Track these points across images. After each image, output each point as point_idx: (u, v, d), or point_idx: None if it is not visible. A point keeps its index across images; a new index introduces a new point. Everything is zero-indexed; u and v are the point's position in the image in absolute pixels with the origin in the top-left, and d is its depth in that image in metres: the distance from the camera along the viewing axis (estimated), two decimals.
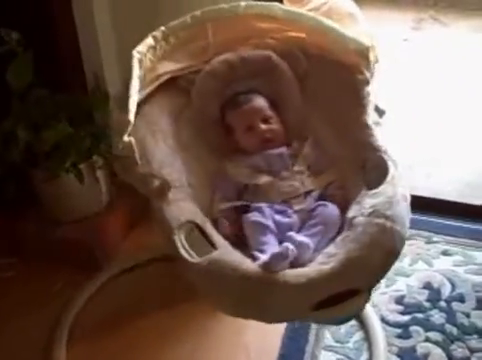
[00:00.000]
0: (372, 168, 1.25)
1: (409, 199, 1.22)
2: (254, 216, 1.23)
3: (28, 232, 1.74)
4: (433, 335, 1.51)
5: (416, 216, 1.81)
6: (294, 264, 1.12)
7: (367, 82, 1.39)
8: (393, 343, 1.49)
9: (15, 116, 1.58)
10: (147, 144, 1.29)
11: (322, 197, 1.30)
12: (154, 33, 1.37)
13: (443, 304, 1.59)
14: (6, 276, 1.69)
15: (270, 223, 1.22)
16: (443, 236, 1.79)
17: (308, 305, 1.07)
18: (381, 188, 1.17)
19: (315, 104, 1.45)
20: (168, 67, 1.41)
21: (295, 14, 1.42)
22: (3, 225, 1.73)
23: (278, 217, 1.25)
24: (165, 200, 1.22)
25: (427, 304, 1.59)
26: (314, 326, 1.54)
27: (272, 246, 1.17)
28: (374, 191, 1.18)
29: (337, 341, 1.51)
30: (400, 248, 1.14)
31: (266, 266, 1.08)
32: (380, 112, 2.37)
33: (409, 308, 1.58)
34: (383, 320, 1.55)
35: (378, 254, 1.10)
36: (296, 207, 1.27)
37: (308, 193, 1.30)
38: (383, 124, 2.34)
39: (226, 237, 1.21)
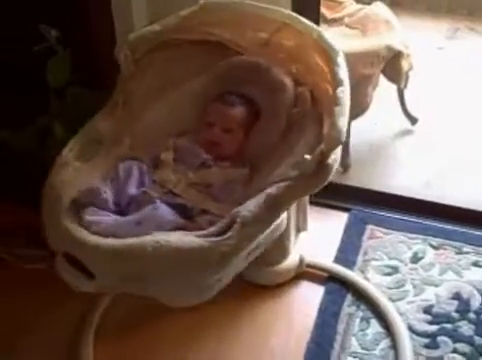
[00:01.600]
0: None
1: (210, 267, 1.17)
2: (121, 166, 1.33)
3: None
4: (461, 346, 1.50)
5: (447, 226, 1.82)
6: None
7: (309, 166, 1.24)
8: (420, 353, 1.48)
9: (52, 113, 1.60)
10: (148, 71, 1.44)
11: (188, 211, 1.28)
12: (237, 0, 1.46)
13: (472, 316, 1.57)
14: (37, 268, 1.70)
15: (121, 178, 1.31)
16: (474, 247, 1.77)
17: (60, 247, 1.19)
18: (193, 239, 1.15)
19: (281, 152, 1.38)
20: (227, 35, 1.49)
21: (339, 71, 1.33)
22: (35, 218, 1.76)
23: (131, 184, 1.31)
24: (108, 114, 1.40)
25: (456, 315, 1.57)
26: (340, 332, 1.54)
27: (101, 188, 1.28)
28: (193, 237, 1.16)
29: (363, 348, 1.50)
30: (143, 278, 1.14)
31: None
32: (412, 119, 2.38)
33: (437, 318, 1.57)
34: (411, 329, 1.54)
35: (122, 264, 1.13)
36: (150, 191, 1.30)
37: (175, 196, 1.31)
38: (415, 132, 2.36)
39: None
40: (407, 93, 2.35)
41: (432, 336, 1.52)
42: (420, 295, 1.63)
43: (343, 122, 1.23)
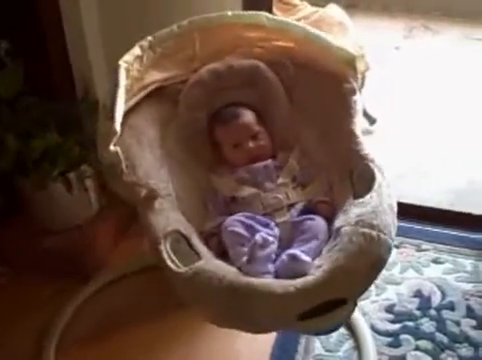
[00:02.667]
0: (359, 177, 1.24)
1: (396, 208, 1.21)
2: (229, 226, 1.21)
3: (17, 241, 1.73)
4: (423, 343, 1.51)
5: (406, 224, 1.84)
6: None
7: (354, 91, 1.39)
8: (383, 352, 1.49)
9: (4, 125, 1.57)
10: (133, 153, 1.28)
11: (307, 209, 1.28)
12: (141, 43, 1.36)
13: (433, 312, 1.59)
14: None
15: (244, 232, 1.20)
16: (433, 244, 1.79)
17: (294, 315, 1.06)
18: (367, 197, 1.17)
19: (302, 113, 1.44)
20: (155, 76, 1.40)
21: (282, 23, 1.42)
22: None
23: (261, 228, 1.22)
24: (152, 209, 1.21)
25: (417, 312, 1.59)
26: (304, 335, 1.53)
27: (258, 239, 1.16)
28: (360, 200, 1.17)
29: (327, 350, 1.50)
30: (386, 257, 1.13)
31: (246, 265, 1.11)
32: (371, 120, 2.40)
33: (399, 316, 1.58)
34: (373, 329, 1.55)
35: (364, 263, 1.09)
36: (278, 219, 1.25)
37: (292, 205, 1.29)
38: (374, 132, 2.38)
39: (214, 251, 1.21)
40: (365, 93, 2.36)
41: (394, 335, 1.53)
42: (382, 294, 1.64)
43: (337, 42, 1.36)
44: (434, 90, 2.63)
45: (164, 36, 1.39)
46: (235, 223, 1.21)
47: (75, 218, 1.72)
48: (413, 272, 1.71)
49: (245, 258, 1.13)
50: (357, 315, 1.56)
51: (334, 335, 1.53)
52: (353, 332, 1.53)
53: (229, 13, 1.40)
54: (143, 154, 1.30)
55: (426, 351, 1.49)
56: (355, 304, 1.14)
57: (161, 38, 1.39)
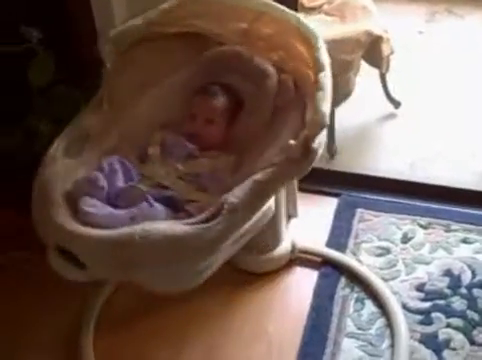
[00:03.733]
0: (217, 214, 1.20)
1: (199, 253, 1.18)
2: (106, 161, 1.33)
3: None
4: (454, 321, 1.52)
5: (434, 205, 1.85)
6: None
7: (294, 152, 1.26)
8: (415, 329, 1.50)
9: (37, 112, 1.61)
10: (130, 66, 1.45)
11: (178, 204, 1.29)
12: None
13: (464, 291, 1.59)
14: (32, 269, 1.70)
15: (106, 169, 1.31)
16: (462, 224, 1.79)
17: (52, 241, 1.21)
18: (181, 227, 1.16)
19: (267, 138, 1.40)
20: (205, 25, 1.49)
21: (321, 57, 1.34)
22: (26, 219, 1.75)
23: (118, 178, 1.31)
24: (93, 109, 1.41)
25: (448, 291, 1.60)
26: (336, 314, 1.56)
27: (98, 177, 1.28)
28: (180, 225, 1.17)
29: (359, 328, 1.52)
30: (135, 265, 1.15)
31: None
32: (395, 103, 2.40)
33: (430, 295, 1.59)
34: (404, 307, 1.56)
35: (115, 253, 1.14)
36: (141, 185, 1.30)
37: (165, 188, 1.32)
38: (398, 115, 2.39)
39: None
40: (389, 77, 2.36)
41: (426, 313, 1.54)
42: (412, 274, 1.65)
43: (326, 106, 1.25)
44: (458, 73, 2.62)
45: (236, 1, 1.47)
46: (112, 160, 1.33)
47: None
48: (443, 252, 1.71)
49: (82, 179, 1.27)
50: (388, 293, 1.58)
51: (365, 313, 1.55)
52: (384, 310, 1.54)
53: (297, 15, 1.41)
54: (135, 72, 1.46)
55: (458, 328, 1.50)
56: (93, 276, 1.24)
57: (233, 1, 1.47)
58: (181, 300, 1.63)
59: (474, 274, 1.64)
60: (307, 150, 1.22)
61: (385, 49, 2.16)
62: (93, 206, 1.23)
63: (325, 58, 1.34)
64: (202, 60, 1.52)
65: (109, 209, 1.24)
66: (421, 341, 1.48)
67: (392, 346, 1.47)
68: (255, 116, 1.46)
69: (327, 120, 1.24)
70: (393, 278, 1.64)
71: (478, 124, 2.31)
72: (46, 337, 1.57)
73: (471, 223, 1.79)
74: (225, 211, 1.15)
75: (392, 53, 2.22)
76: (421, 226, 1.79)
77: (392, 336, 1.49)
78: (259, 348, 1.53)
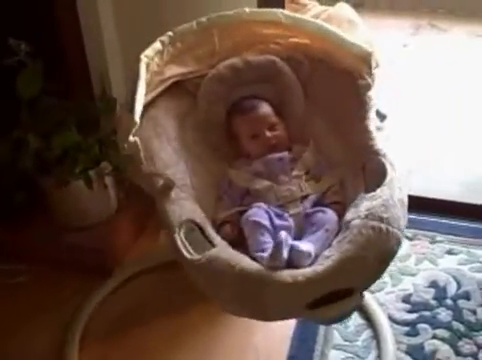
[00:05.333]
0: (371, 171, 1.27)
1: (407, 202, 1.23)
2: (252, 216, 1.25)
3: (37, 238, 1.76)
4: (440, 332, 1.53)
5: (419, 217, 1.86)
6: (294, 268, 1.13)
7: (369, 87, 1.42)
8: (401, 341, 1.51)
9: (24, 125, 1.61)
10: (152, 145, 1.33)
11: (320, 201, 1.32)
12: (161, 38, 1.41)
13: (449, 302, 1.61)
14: (16, 282, 1.71)
15: (267, 223, 1.24)
16: (447, 236, 1.81)
17: (303, 303, 1.09)
18: (378, 191, 1.19)
19: (317, 108, 1.48)
20: (175, 71, 1.44)
21: (298, 20, 1.45)
22: (13, 231, 1.76)
23: (276, 219, 1.26)
24: (168, 199, 1.25)
25: (434, 302, 1.61)
26: (323, 326, 1.56)
27: (270, 245, 1.19)
28: (371, 194, 1.19)
29: (346, 340, 1.53)
30: (395, 250, 1.16)
31: (269, 261, 1.11)
32: (381, 116, 2.40)
33: (416, 306, 1.60)
34: (390, 318, 1.57)
35: (373, 255, 1.11)
36: (292, 211, 1.29)
37: (305, 197, 1.32)
38: (384, 128, 2.40)
39: (228, 240, 1.24)
40: (374, 91, 2.38)
41: (412, 324, 1.55)
42: (398, 285, 1.66)
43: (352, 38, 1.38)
44: (442, 86, 2.66)
45: (184, 31, 1.44)
46: (259, 213, 1.25)
47: (95, 215, 1.75)
48: (428, 263, 1.73)
49: (269, 251, 1.15)
50: (374, 305, 1.58)
51: (352, 325, 1.56)
52: (371, 322, 1.55)
53: (247, 10, 1.44)
54: (161, 146, 1.35)
55: (443, 339, 1.51)
56: (362, 295, 1.16)
57: (181, 33, 1.44)
58: (169, 312, 1.63)
59: (459, 285, 1.65)
60: (374, 78, 1.42)
61: (372, 62, 2.17)
62: (301, 245, 1.17)
63: (303, 18, 1.42)
64: (204, 93, 1.46)
65: (306, 242, 1.20)
66: (407, 352, 1.48)
67: (379, 357, 1.47)
68: (293, 103, 1.47)
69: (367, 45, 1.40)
70: (379, 290, 1.65)
71: (463, 135, 2.34)
72: (35, 350, 1.56)
73: (456, 235, 1.82)
74: (381, 158, 1.26)
75: (378, 66, 2.24)
76: (406, 238, 1.81)
77: (379, 347, 1.49)
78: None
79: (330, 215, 1.25)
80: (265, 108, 1.44)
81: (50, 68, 1.61)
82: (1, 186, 1.62)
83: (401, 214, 1.18)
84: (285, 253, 1.12)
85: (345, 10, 2.30)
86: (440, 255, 1.75)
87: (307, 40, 1.47)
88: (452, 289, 1.64)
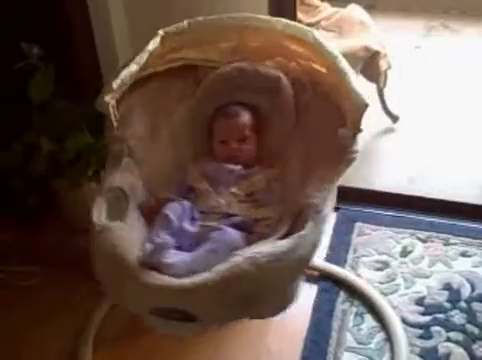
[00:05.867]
0: (298, 221, 1.23)
1: (305, 264, 1.19)
2: (167, 208, 1.27)
3: (50, 241, 1.77)
4: (454, 335, 1.52)
5: (433, 219, 1.85)
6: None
7: (345, 139, 1.31)
8: (415, 343, 1.50)
9: (37, 128, 1.62)
10: (132, 113, 1.39)
11: (250, 228, 1.28)
12: (191, 20, 1.44)
13: (463, 304, 1.59)
14: (28, 284, 1.71)
15: (175, 220, 1.25)
16: (461, 238, 1.80)
17: (147, 307, 1.12)
18: (279, 243, 1.15)
19: (301, 138, 1.44)
20: (194, 55, 1.48)
21: (324, 47, 1.38)
22: (26, 234, 1.77)
23: (186, 223, 1.27)
24: (116, 165, 1.32)
25: (447, 305, 1.60)
26: (335, 328, 1.55)
27: (163, 240, 1.21)
28: (274, 243, 1.16)
29: (359, 342, 1.52)
30: (254, 297, 1.11)
31: (145, 257, 1.15)
32: (393, 118, 2.41)
33: (429, 309, 1.59)
34: (404, 321, 1.56)
35: (230, 293, 1.08)
36: (208, 222, 1.28)
37: (230, 216, 1.30)
38: (397, 129, 2.40)
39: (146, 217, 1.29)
40: (387, 92, 2.38)
41: (425, 327, 1.54)
42: (411, 288, 1.65)
43: (358, 87, 1.28)
44: (455, 87, 2.64)
45: (215, 22, 1.46)
46: (175, 208, 1.27)
47: None
48: (442, 265, 1.71)
49: (151, 249, 1.18)
50: (387, 308, 1.57)
51: (365, 327, 1.55)
52: (384, 324, 1.54)
53: (283, 21, 1.43)
54: (141, 117, 1.41)
55: (457, 342, 1.50)
56: (205, 326, 1.16)
57: (212, 23, 1.46)
58: None
59: (473, 288, 1.64)
60: (357, 132, 1.26)
61: (383, 64, 2.18)
62: (173, 257, 1.17)
63: (328, 47, 1.35)
64: (204, 87, 1.49)
65: (187, 254, 1.20)
66: (421, 355, 1.47)
67: None
68: (281, 123, 1.46)
69: (367, 99, 1.27)
70: (392, 292, 1.64)
71: (477, 137, 2.32)
72: (48, 353, 1.56)
73: (470, 237, 1.80)
74: (312, 213, 1.17)
75: (390, 68, 2.24)
76: (420, 240, 1.80)
77: (392, 350, 1.48)
78: None
79: (229, 235, 1.22)
80: (245, 119, 1.45)
81: (62, 71, 1.62)
82: (14, 189, 1.63)
83: (280, 269, 1.12)
84: (168, 259, 1.16)
85: (357, 12, 2.32)
86: (454, 257, 1.74)
87: (324, 69, 1.43)
88: (466, 291, 1.63)
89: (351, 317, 1.58)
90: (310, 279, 1.70)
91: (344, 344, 1.52)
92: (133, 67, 1.36)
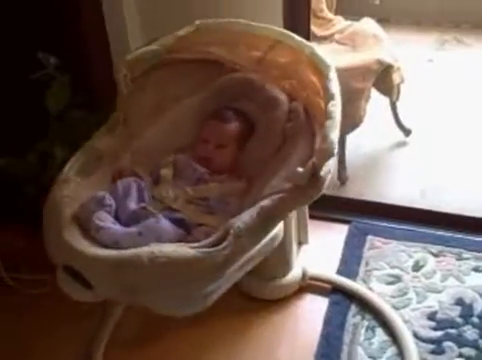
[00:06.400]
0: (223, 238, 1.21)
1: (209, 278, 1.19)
2: (120, 183, 1.35)
3: None
4: (466, 351, 1.51)
5: (446, 233, 1.85)
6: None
7: (302, 178, 1.25)
8: (426, 359, 1.49)
9: (52, 137, 1.63)
10: (146, 90, 1.49)
11: (186, 226, 1.29)
12: (230, 20, 1.50)
13: (476, 320, 1.58)
14: (39, 292, 1.71)
15: (120, 193, 1.32)
16: (474, 252, 1.79)
17: (60, 261, 1.23)
18: (188, 250, 1.16)
19: (277, 166, 1.40)
20: (223, 53, 1.53)
21: (334, 85, 1.36)
22: (37, 242, 1.77)
23: (131, 200, 1.32)
24: (109, 131, 1.44)
25: (460, 320, 1.59)
26: (346, 342, 1.54)
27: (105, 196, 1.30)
28: (185, 247, 1.17)
29: (370, 357, 1.51)
30: (141, 288, 1.16)
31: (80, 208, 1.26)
32: (406, 131, 2.41)
33: (441, 324, 1.58)
34: (416, 336, 1.55)
35: (122, 275, 1.14)
36: (150, 207, 1.31)
37: (173, 211, 1.33)
38: (409, 143, 2.40)
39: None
40: (400, 105, 2.38)
41: (437, 342, 1.53)
42: (423, 302, 1.64)
43: (334, 135, 1.26)
44: (468, 101, 2.64)
45: (252, 28, 1.50)
46: (126, 183, 1.35)
47: None
48: (454, 280, 1.70)
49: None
50: (399, 322, 1.57)
51: (376, 341, 1.54)
52: (395, 338, 1.53)
53: (313, 46, 1.44)
54: (150, 97, 1.49)
55: (469, 358, 1.49)
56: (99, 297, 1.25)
57: (248, 28, 1.50)
58: (193, 324, 1.63)
59: None
60: (315, 178, 1.22)
61: (396, 77, 2.18)
62: (105, 221, 1.25)
63: (335, 88, 1.35)
64: (215, 86, 1.54)
65: (119, 226, 1.26)
66: None
67: None
68: (265, 142, 1.48)
69: (335, 149, 1.25)
70: (404, 306, 1.63)
71: None
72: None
73: None
74: (231, 236, 1.16)
75: (403, 81, 2.24)
76: (432, 254, 1.79)
77: None
78: None
79: (160, 227, 1.24)
80: (232, 127, 1.48)
81: (76, 81, 1.64)
82: (28, 197, 1.64)
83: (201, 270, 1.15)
84: (96, 212, 1.25)
85: (370, 25, 2.33)
86: (466, 272, 1.73)
87: (322, 102, 1.41)
88: (479, 307, 1.62)
89: (362, 331, 1.58)
90: (321, 292, 1.70)
91: (355, 358, 1.51)
92: (153, 47, 1.45)
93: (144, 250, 1.15)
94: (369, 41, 2.23)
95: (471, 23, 3.31)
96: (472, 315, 1.60)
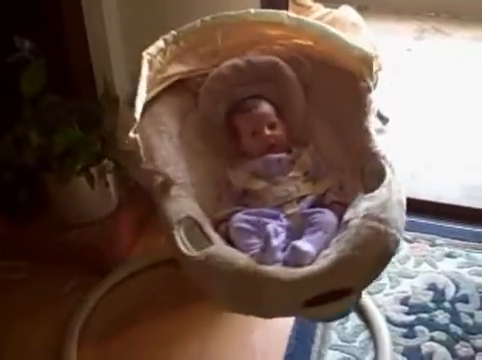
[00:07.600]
0: (370, 173, 1.28)
1: (405, 204, 1.23)
2: (235, 222, 1.27)
3: (38, 235, 1.77)
4: (438, 335, 1.53)
5: (420, 220, 1.87)
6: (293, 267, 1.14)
7: (370, 89, 1.42)
8: (398, 342, 1.51)
9: (27, 121, 1.62)
10: (153, 142, 1.34)
11: (320, 202, 1.32)
12: (165, 36, 1.42)
13: (447, 305, 1.61)
14: (16, 278, 1.71)
15: (249, 227, 1.25)
16: (447, 239, 1.81)
17: (299, 302, 1.10)
18: (377, 192, 1.20)
19: (318, 110, 1.48)
20: (177, 69, 1.45)
21: (302, 22, 1.46)
22: (14, 228, 1.77)
23: (270, 220, 1.26)
24: (167, 197, 1.26)
25: (432, 305, 1.61)
26: (320, 326, 1.56)
27: (258, 244, 1.20)
28: (370, 195, 1.20)
29: (343, 340, 1.53)
30: (393, 251, 1.16)
31: (261, 256, 1.14)
32: (384, 120, 2.42)
33: (414, 308, 1.60)
34: (388, 320, 1.57)
35: (370, 255, 1.12)
36: (288, 211, 1.29)
37: (303, 198, 1.32)
38: (387, 131, 2.41)
39: (223, 237, 1.26)
40: (377, 94, 2.39)
41: (409, 326, 1.56)
42: (396, 287, 1.66)
43: (358, 42, 1.37)
44: (446, 90, 2.66)
45: (187, 30, 1.45)
46: (240, 220, 1.26)
47: (96, 212, 1.76)
48: (427, 266, 1.73)
49: (259, 247, 1.17)
50: (372, 307, 1.59)
51: (349, 326, 1.56)
52: (368, 323, 1.55)
53: (251, 11, 1.45)
54: (162, 143, 1.36)
55: (441, 342, 1.51)
56: (360, 295, 1.17)
57: (185, 32, 1.45)
58: (168, 310, 1.64)
59: (458, 288, 1.65)
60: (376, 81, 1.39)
61: (374, 66, 2.18)
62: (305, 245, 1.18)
63: (308, 20, 1.40)
64: (205, 93, 1.47)
65: (305, 243, 1.20)
66: (404, 354, 1.49)
67: (376, 359, 1.48)
68: (294, 106, 1.48)
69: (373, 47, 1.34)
70: (378, 291, 1.65)
71: (466, 139, 2.34)
72: (32, 346, 1.57)
73: (456, 238, 1.82)
74: (381, 160, 1.27)
75: (380, 70, 2.24)
76: (406, 240, 1.81)
77: (376, 349, 1.49)
78: (244, 358, 1.54)
79: (328, 216, 1.26)
80: (265, 107, 1.45)
81: (54, 66, 1.62)
82: (3, 182, 1.63)
83: (399, 215, 1.18)
84: (275, 242, 1.15)
85: (349, 13, 2.32)
86: (439, 258, 1.75)
87: (310, 42, 1.47)
88: (450, 292, 1.65)
89: None
90: None
91: (328, 342, 1.53)
92: (143, 96, 1.31)
93: (362, 222, 1.14)
94: (348, 29, 2.23)
95: (450, 13, 3.33)
96: (444, 300, 1.62)
